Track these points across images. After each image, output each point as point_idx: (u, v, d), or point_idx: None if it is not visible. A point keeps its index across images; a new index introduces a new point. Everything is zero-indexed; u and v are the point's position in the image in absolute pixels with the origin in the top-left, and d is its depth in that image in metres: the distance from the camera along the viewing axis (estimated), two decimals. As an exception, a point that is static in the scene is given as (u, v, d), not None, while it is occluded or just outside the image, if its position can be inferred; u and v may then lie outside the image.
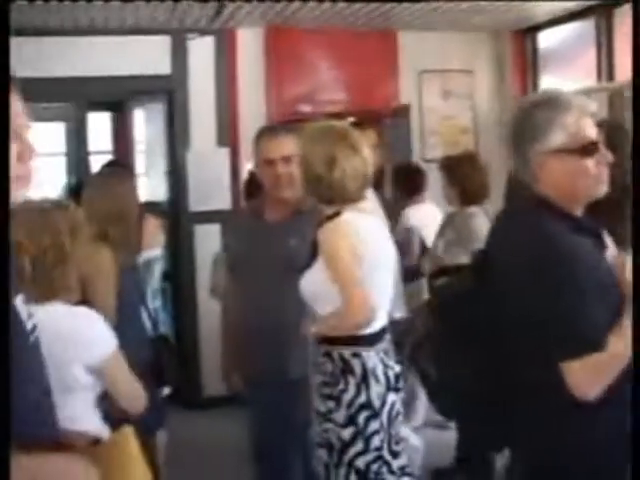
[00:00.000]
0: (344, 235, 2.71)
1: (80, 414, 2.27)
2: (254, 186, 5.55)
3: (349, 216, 2.76)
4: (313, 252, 2.78)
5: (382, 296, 2.85)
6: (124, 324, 3.06)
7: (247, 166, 6.45)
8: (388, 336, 2.91)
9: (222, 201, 6.23)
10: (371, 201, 3.02)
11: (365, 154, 2.80)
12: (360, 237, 2.71)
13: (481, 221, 4.29)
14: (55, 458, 1.74)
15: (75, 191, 5.24)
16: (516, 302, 2.06)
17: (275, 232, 3.26)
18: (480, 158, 4.70)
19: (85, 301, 2.56)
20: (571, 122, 2.06)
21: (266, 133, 3.37)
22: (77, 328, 2.30)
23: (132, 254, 3.68)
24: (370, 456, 2.72)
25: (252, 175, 5.97)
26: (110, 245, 3.34)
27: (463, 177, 4.39)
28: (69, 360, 2.25)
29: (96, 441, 1.96)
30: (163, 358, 3.65)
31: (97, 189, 3.59)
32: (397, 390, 2.83)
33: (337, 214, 2.76)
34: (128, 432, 2.11)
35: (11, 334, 1.61)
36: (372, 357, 2.76)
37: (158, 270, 4.59)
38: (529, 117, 2.13)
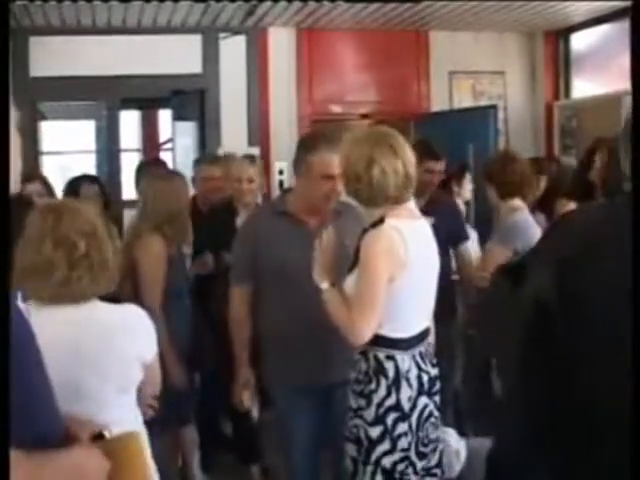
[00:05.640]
0: (385, 245, 2.70)
1: (128, 415, 2.27)
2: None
3: (393, 223, 2.74)
4: (356, 257, 2.78)
5: (424, 301, 2.87)
6: (172, 303, 3.72)
7: (277, 165, 6.48)
8: (429, 339, 2.93)
9: (252, 200, 6.22)
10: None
11: (407, 157, 2.80)
12: (403, 245, 2.70)
13: (522, 216, 4.17)
14: (65, 452, 1.71)
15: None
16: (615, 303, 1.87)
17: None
18: (513, 153, 4.57)
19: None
20: None
21: (324, 146, 3.17)
22: (138, 324, 2.35)
23: (181, 246, 4.03)
24: (396, 456, 2.77)
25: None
26: (163, 237, 3.76)
27: (497, 172, 4.28)
28: (132, 357, 2.28)
29: (99, 436, 1.90)
30: (204, 338, 3.98)
31: (153, 190, 3.92)
32: (430, 394, 2.84)
33: (381, 220, 2.75)
34: (135, 434, 2.05)
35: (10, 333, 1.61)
36: (406, 361, 2.79)
37: None
38: None
